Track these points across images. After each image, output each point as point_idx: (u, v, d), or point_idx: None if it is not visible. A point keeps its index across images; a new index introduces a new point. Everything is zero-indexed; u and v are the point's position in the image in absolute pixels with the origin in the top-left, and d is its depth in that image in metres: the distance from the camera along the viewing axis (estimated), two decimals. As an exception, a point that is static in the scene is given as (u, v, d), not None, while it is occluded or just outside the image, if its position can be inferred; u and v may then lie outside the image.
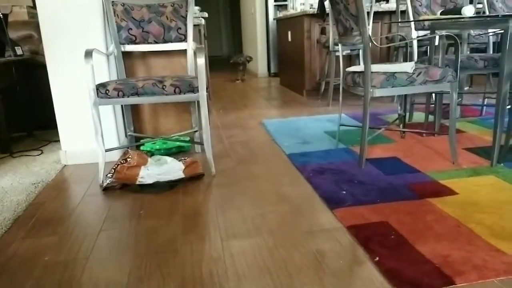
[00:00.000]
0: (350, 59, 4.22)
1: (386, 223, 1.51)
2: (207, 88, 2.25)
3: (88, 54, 1.94)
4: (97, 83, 2.01)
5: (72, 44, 2.28)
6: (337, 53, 3.71)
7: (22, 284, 1.25)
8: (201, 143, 2.44)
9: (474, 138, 2.53)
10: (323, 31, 4.14)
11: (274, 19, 6.01)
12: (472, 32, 3.05)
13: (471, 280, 1.16)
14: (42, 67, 2.45)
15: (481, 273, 1.19)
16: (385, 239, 1.40)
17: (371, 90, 1.97)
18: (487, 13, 2.77)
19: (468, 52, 3.08)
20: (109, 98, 1.98)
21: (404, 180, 1.91)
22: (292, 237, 1.46)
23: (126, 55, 2.49)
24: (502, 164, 2.04)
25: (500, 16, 1.87)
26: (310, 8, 4.50)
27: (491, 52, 3.09)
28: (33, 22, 3.29)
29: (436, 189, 1.80)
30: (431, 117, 2.74)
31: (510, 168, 1.99)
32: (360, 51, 3.81)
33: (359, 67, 2.08)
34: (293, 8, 5.56)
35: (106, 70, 2.35)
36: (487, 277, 1.17)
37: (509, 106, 2.04)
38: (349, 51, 3.96)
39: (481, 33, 3.09)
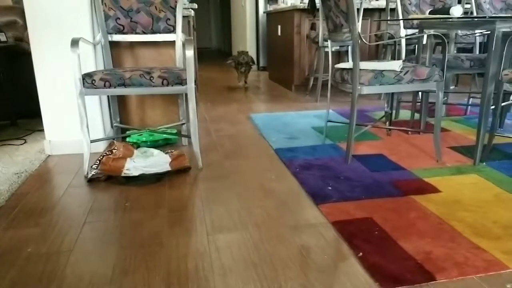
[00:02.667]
0: (339, 56, 4.24)
1: (370, 219, 1.53)
2: (195, 81, 2.23)
3: (75, 42, 1.90)
4: (83, 72, 1.98)
5: (58, 32, 2.23)
6: (326, 49, 3.72)
7: (3, 276, 1.24)
8: (188, 136, 2.43)
9: (458, 137, 2.57)
10: (313, 27, 4.14)
11: (264, 12, 5.99)
12: (459, 32, 3.09)
13: (452, 277, 1.19)
14: (27, 55, 2.40)
15: (462, 270, 1.22)
16: (369, 235, 1.42)
17: (359, 87, 1.98)
18: (475, 13, 2.80)
19: (455, 52, 3.12)
20: (95, 88, 1.95)
21: (389, 177, 1.93)
22: (278, 231, 1.47)
23: (114, 45, 2.45)
24: (484, 163, 2.08)
25: (487, 17, 1.90)
26: (300, 3, 4.49)
27: (477, 52, 3.14)
28: (17, 8, 3.21)
29: (420, 186, 1.82)
30: (417, 115, 2.77)
31: (493, 168, 2.03)
32: (349, 48, 3.83)
33: (348, 64, 2.09)
34: (283, 2, 5.55)
35: (92, 60, 2.32)
36: (467, 273, 1.20)
37: (493, 106, 2.08)
38: (338, 48, 3.97)
39: (468, 33, 3.13)
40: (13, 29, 3.12)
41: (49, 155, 2.36)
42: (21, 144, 2.55)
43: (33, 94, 2.37)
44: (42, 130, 2.42)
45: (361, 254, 1.31)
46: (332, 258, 1.30)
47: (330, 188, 1.82)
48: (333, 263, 1.28)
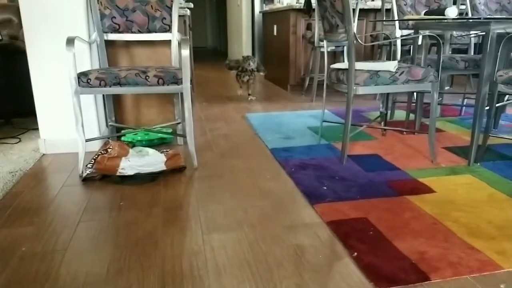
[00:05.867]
0: (335, 56, 4.25)
1: (365, 219, 1.54)
2: (191, 80, 2.23)
3: (70, 41, 1.90)
4: (78, 71, 1.97)
5: (53, 31, 2.22)
6: (322, 49, 3.73)
7: (-3, 275, 1.23)
8: (184, 136, 2.43)
9: (453, 138, 2.59)
10: (308, 27, 4.15)
11: (260, 12, 5.99)
12: (454, 33, 3.10)
13: (446, 277, 1.19)
14: (22, 53, 2.39)
15: (456, 270, 1.22)
16: (364, 235, 1.43)
17: (354, 87, 1.98)
18: (470, 14, 2.82)
19: (450, 53, 3.13)
20: (90, 87, 1.94)
21: (384, 177, 1.94)
22: (273, 231, 1.47)
23: (109, 44, 2.44)
24: (478, 164, 2.09)
25: (482, 18, 1.91)
26: (296, 3, 4.50)
27: (472, 53, 3.15)
28: (12, 6, 3.19)
29: (414, 187, 1.83)
30: (412, 116, 2.78)
31: (487, 168, 2.04)
32: (345, 48, 3.83)
33: (343, 64, 2.09)
34: (279, 2, 5.54)
35: (88, 59, 2.31)
36: (461, 273, 1.21)
37: (487, 107, 2.09)
38: (334, 48, 3.98)
39: (463, 34, 3.15)
40: (8, 27, 3.10)
41: (43, 154, 2.35)
42: (15, 143, 2.54)
43: (28, 92, 2.36)
44: (37, 129, 2.40)
45: (355, 254, 1.32)
46: (327, 258, 1.31)
47: (325, 188, 1.82)
48: (327, 263, 1.28)
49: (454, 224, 1.49)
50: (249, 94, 4.02)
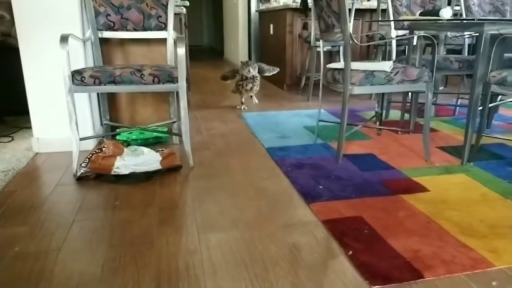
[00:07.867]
0: (331, 55, 4.26)
1: (360, 218, 1.55)
2: (186, 79, 2.22)
3: (64, 39, 1.89)
4: (72, 69, 1.96)
5: (47, 28, 2.20)
6: (318, 49, 3.73)
7: (-9, 274, 1.22)
8: (180, 135, 2.42)
9: (446, 137, 2.61)
10: (305, 26, 4.16)
11: (256, 11, 5.99)
12: (448, 33, 3.12)
13: (439, 275, 1.20)
14: (14, 50, 2.37)
15: (449, 267, 1.23)
16: (359, 233, 1.43)
17: (350, 87, 1.99)
18: (464, 16, 2.84)
19: (444, 53, 3.15)
20: (85, 85, 1.93)
21: (379, 176, 1.95)
22: (269, 230, 1.47)
23: (104, 41, 2.43)
24: (472, 163, 2.11)
25: (476, 20, 1.92)
26: (292, 2, 4.50)
27: (466, 54, 3.17)
28: (4, 2, 3.16)
29: (409, 186, 1.84)
30: (406, 116, 2.80)
31: (480, 167, 2.06)
32: (341, 48, 3.85)
33: (339, 64, 2.10)
34: (276, 1, 5.54)
35: (82, 57, 2.29)
36: (454, 271, 1.22)
37: (480, 107, 2.11)
38: (330, 47, 3.99)
39: (457, 35, 3.17)
40: (0, 24, 3.07)
41: (37, 153, 2.33)
42: (8, 142, 2.52)
43: (20, 90, 2.34)
44: (30, 128, 2.39)
45: (351, 252, 1.32)
46: (323, 256, 1.31)
47: (321, 187, 1.83)
48: (323, 261, 1.28)
49: (448, 222, 1.50)
50: (246, 100, 3.66)
